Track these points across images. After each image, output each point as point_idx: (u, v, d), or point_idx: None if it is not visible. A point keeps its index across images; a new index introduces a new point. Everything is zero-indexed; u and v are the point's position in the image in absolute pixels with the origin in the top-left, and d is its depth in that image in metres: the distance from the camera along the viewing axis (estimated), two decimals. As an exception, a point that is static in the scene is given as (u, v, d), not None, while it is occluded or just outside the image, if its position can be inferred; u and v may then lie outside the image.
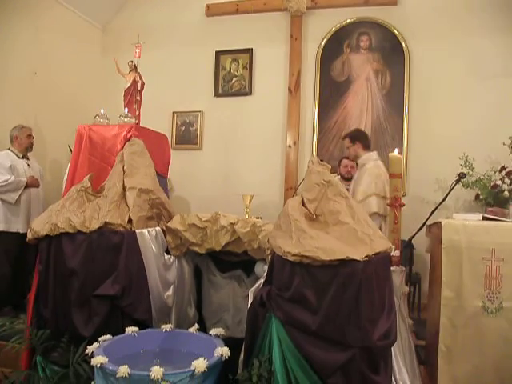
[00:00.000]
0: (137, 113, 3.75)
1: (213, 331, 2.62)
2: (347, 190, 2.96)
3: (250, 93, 5.76)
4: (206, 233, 3.08)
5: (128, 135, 3.33)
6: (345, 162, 4.67)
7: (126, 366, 2.11)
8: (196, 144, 5.92)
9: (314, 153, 5.45)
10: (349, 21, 5.42)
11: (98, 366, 2.18)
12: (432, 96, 5.12)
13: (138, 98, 3.77)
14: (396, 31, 5.24)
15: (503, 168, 4.33)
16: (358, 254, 2.16)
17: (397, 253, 2.91)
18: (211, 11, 5.86)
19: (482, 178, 4.43)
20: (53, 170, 5.44)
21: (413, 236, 3.40)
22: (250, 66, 5.75)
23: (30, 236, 2.96)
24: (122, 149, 3.28)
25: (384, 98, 5.29)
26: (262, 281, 2.61)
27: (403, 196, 4.63)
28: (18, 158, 4.37)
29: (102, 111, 3.59)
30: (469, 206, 4.73)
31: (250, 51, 5.74)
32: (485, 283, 2.64)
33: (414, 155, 5.17)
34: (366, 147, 3.98)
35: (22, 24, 4.95)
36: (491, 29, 4.92)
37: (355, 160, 4.12)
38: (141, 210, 3.01)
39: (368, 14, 5.34)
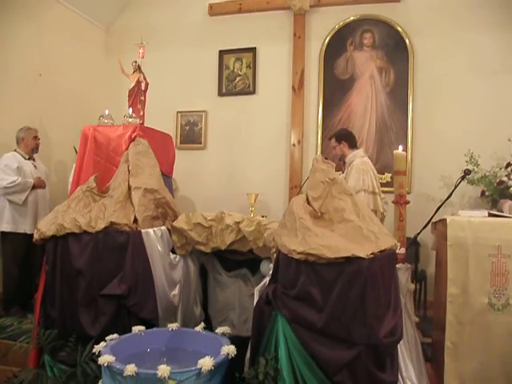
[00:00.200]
0: (141, 113, 3.76)
1: (219, 330, 2.62)
2: None
3: (253, 92, 5.76)
4: (211, 232, 3.09)
5: (133, 135, 3.34)
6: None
7: (133, 365, 2.13)
8: (200, 143, 5.94)
9: (319, 151, 5.45)
10: (352, 18, 5.41)
11: (106, 364, 2.20)
12: (436, 93, 5.10)
13: (142, 98, 3.78)
14: (399, 28, 5.22)
15: (509, 164, 4.31)
16: (364, 251, 2.16)
17: (402, 250, 2.91)
18: (214, 11, 5.86)
19: (487, 174, 4.41)
20: (58, 171, 5.47)
21: (418, 233, 3.38)
22: (253, 65, 5.75)
23: (36, 236, 2.98)
24: (126, 149, 3.29)
25: (388, 96, 5.28)
26: (267, 279, 2.61)
27: (408, 193, 4.62)
28: (25, 159, 4.40)
29: (107, 112, 3.61)
30: (474, 203, 4.71)
31: (253, 50, 5.74)
32: (491, 280, 2.62)
33: (419, 152, 5.15)
34: (352, 146, 4.01)
35: (25, 26, 4.98)
36: (496, 25, 4.90)
37: (342, 159, 4.14)
38: (146, 210, 3.02)
39: (371, 11, 5.33)
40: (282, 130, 5.61)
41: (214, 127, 5.90)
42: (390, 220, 3.26)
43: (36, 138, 4.50)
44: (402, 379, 2.65)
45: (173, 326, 2.71)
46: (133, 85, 3.76)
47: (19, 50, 4.93)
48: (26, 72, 5.03)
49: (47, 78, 5.26)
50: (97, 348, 2.41)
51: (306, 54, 5.54)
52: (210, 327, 2.97)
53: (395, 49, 5.25)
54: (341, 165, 4.09)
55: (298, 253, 2.20)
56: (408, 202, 3.06)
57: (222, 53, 5.85)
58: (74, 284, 2.83)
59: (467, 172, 3.42)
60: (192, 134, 5.96)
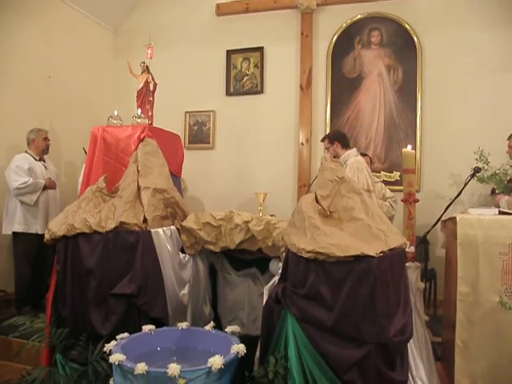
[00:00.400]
0: (150, 113, 3.78)
1: (228, 329, 2.63)
2: None
3: (261, 91, 5.76)
4: (220, 231, 3.10)
5: (141, 136, 3.36)
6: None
7: (144, 364, 2.14)
8: (209, 143, 5.95)
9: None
10: (359, 16, 5.39)
11: (116, 363, 2.21)
12: (445, 90, 5.07)
13: (151, 98, 3.80)
14: (407, 26, 5.20)
15: (519, 162, 4.28)
16: (373, 249, 2.16)
17: (412, 249, 2.90)
18: (221, 11, 5.88)
19: (497, 172, 4.37)
20: (68, 171, 5.52)
21: (428, 232, 3.37)
22: (261, 65, 5.75)
23: (47, 237, 3.00)
24: (135, 149, 3.31)
25: (396, 94, 5.25)
26: (276, 278, 2.62)
27: (417, 192, 4.60)
28: (35, 160, 4.44)
29: (116, 112, 3.63)
30: (484, 201, 4.67)
31: (260, 49, 5.75)
32: (502, 278, 2.60)
33: (428, 150, 5.12)
34: (345, 146, 4.04)
35: (33, 28, 5.04)
36: (507, 21, 4.85)
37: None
38: (155, 210, 3.04)
39: (379, 9, 5.31)
40: (290, 129, 5.61)
41: (222, 127, 5.91)
42: (400, 218, 3.25)
43: (46, 139, 4.55)
44: (412, 378, 2.64)
45: (183, 325, 2.72)
46: (141, 85, 3.78)
47: (28, 52, 4.98)
48: (36, 74, 5.08)
49: (56, 79, 5.31)
50: (108, 347, 2.43)
51: (313, 52, 5.54)
52: (219, 326, 2.97)
53: (403, 46, 5.23)
54: None
55: (308, 251, 2.21)
56: (417, 201, 3.04)
57: (229, 52, 5.86)
58: (84, 283, 2.85)
59: (477, 170, 3.40)
60: (200, 134, 5.98)
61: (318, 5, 5.47)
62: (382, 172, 5.26)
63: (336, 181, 2.55)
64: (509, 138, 3.79)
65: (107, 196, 3.13)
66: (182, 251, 3.16)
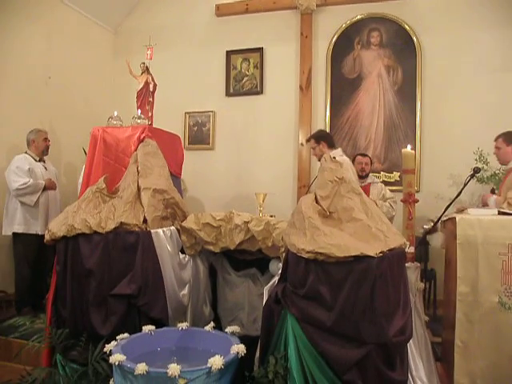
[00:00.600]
0: (149, 114, 3.78)
1: (228, 329, 2.63)
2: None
3: (261, 92, 5.77)
4: (220, 232, 3.10)
5: (141, 136, 3.36)
6: (359, 158, 4.66)
7: (144, 364, 2.14)
8: (208, 144, 5.96)
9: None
10: (359, 17, 5.40)
11: (117, 363, 2.21)
12: (445, 90, 5.08)
13: (151, 99, 3.80)
14: (407, 26, 5.21)
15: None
16: (373, 250, 2.16)
17: (411, 249, 2.90)
18: (221, 11, 5.88)
19: (497, 172, 4.38)
20: (68, 172, 5.52)
21: (427, 232, 3.38)
22: (260, 65, 5.76)
23: (47, 237, 3.00)
24: (135, 150, 3.31)
25: (396, 94, 5.26)
26: (276, 278, 2.62)
27: (417, 192, 4.60)
28: (35, 161, 4.44)
29: (116, 113, 3.63)
30: (484, 201, 4.67)
31: (260, 50, 5.76)
32: (501, 278, 2.61)
33: (428, 151, 5.13)
34: (331, 146, 4.19)
35: (34, 29, 5.04)
36: (505, 21, 4.86)
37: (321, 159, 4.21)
38: (155, 210, 3.04)
39: (378, 9, 5.32)
40: (290, 130, 5.61)
41: (221, 127, 5.91)
42: (399, 219, 3.25)
43: (46, 139, 4.55)
44: (412, 378, 2.64)
45: (183, 325, 2.72)
46: (141, 86, 3.78)
47: (28, 53, 4.99)
48: (36, 75, 5.09)
49: (56, 80, 5.32)
50: (108, 347, 2.43)
51: (313, 53, 5.55)
52: (219, 327, 2.98)
53: (403, 47, 5.23)
54: None
55: (307, 252, 2.21)
56: (417, 201, 3.05)
57: (229, 53, 5.87)
58: (84, 284, 2.85)
59: (476, 170, 3.40)
60: (200, 135, 5.99)
61: (317, 5, 5.48)
62: (382, 172, 5.27)
63: (336, 181, 2.55)
64: (496, 139, 3.79)
65: (107, 197, 3.13)
66: (182, 252, 3.16)
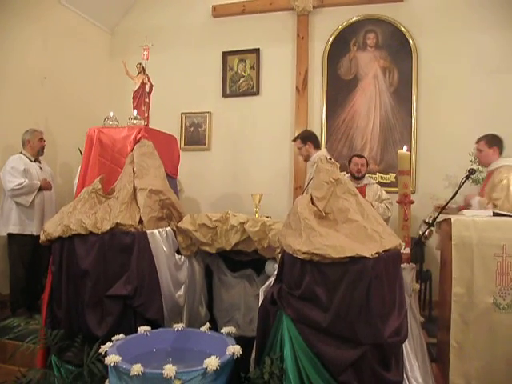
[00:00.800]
0: (146, 114, 3.77)
1: (224, 330, 2.63)
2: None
3: (257, 93, 5.77)
4: (216, 232, 3.10)
5: (137, 137, 3.35)
6: (355, 160, 4.67)
7: (139, 365, 2.13)
8: (205, 145, 5.95)
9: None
10: (355, 19, 5.41)
11: (112, 364, 2.21)
12: (440, 92, 5.10)
13: (147, 99, 3.79)
14: (403, 28, 5.23)
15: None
16: (368, 251, 2.17)
17: (407, 250, 2.91)
18: (218, 12, 5.88)
19: (492, 173, 4.38)
20: (63, 172, 5.50)
21: (423, 233, 3.39)
22: (257, 66, 5.76)
23: (42, 238, 3.00)
24: (131, 150, 3.30)
25: (392, 96, 5.28)
26: (272, 279, 2.62)
27: (413, 193, 4.61)
28: (31, 161, 4.43)
29: (112, 113, 3.62)
30: (479, 203, 4.68)
31: (257, 51, 5.76)
32: (496, 279, 2.62)
33: (423, 152, 5.14)
34: (317, 146, 4.28)
35: (30, 29, 5.02)
36: (499, 24, 4.89)
37: (307, 160, 4.33)
38: (151, 211, 3.04)
39: (374, 11, 5.34)
40: (286, 131, 5.62)
41: (218, 128, 5.92)
42: (395, 220, 3.26)
43: (42, 140, 4.53)
44: (408, 379, 2.64)
45: (178, 326, 2.71)
46: (137, 86, 3.78)
47: (24, 53, 4.97)
48: (31, 75, 5.07)
49: (52, 80, 5.30)
50: (103, 348, 2.42)
51: (309, 54, 5.56)
52: (215, 327, 2.97)
53: (399, 49, 5.25)
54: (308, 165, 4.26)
55: (303, 253, 2.21)
56: (412, 202, 3.06)
57: (225, 54, 5.87)
58: (80, 285, 2.84)
59: (472, 171, 3.42)
60: (196, 136, 5.98)
61: (314, 7, 5.49)
62: (378, 173, 5.29)
63: (331, 182, 2.56)
64: (477, 142, 3.81)
65: (103, 197, 3.12)
66: (178, 252, 3.16)
